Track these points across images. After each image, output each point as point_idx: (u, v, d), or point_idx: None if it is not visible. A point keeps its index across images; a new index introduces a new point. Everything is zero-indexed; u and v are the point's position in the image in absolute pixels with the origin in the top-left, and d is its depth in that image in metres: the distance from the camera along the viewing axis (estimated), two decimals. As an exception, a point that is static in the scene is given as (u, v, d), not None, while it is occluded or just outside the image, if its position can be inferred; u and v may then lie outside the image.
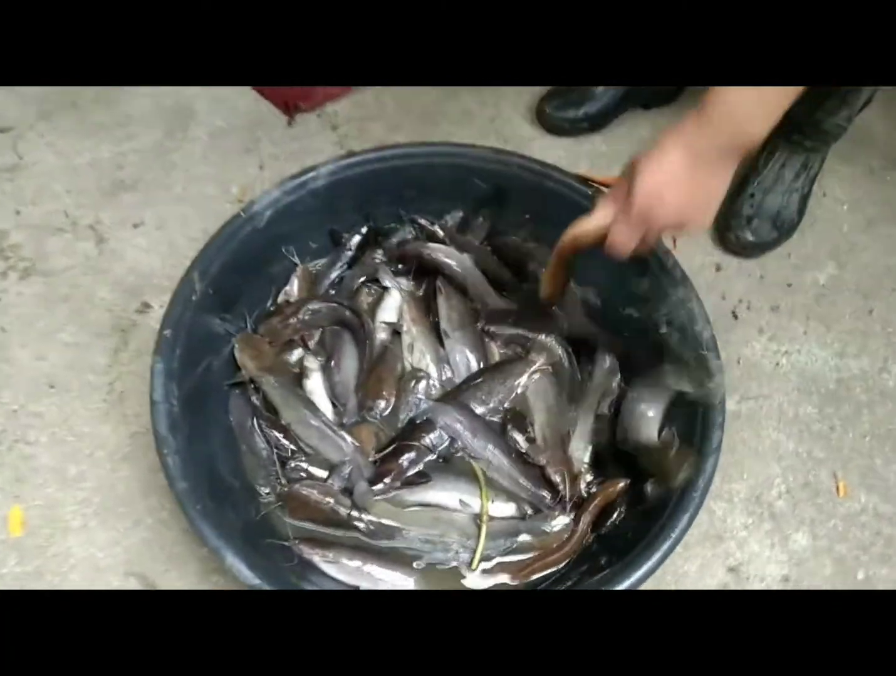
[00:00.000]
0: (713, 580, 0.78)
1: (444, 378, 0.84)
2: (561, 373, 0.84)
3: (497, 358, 0.86)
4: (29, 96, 1.10)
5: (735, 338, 0.94)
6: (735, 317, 0.95)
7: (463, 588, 0.71)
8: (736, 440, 0.87)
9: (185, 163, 1.05)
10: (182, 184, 1.03)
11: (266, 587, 0.60)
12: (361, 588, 0.70)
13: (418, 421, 0.79)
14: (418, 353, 0.85)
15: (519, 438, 0.79)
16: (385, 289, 0.88)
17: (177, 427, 0.67)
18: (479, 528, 0.74)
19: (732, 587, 0.78)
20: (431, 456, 0.78)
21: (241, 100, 1.12)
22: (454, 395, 0.82)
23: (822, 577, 0.79)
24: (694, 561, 0.79)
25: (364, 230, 0.90)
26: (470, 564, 0.72)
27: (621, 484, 0.75)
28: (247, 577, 0.60)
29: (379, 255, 0.90)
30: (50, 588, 0.74)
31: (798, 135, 0.96)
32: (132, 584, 0.75)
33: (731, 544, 0.81)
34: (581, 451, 0.80)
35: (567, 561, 0.73)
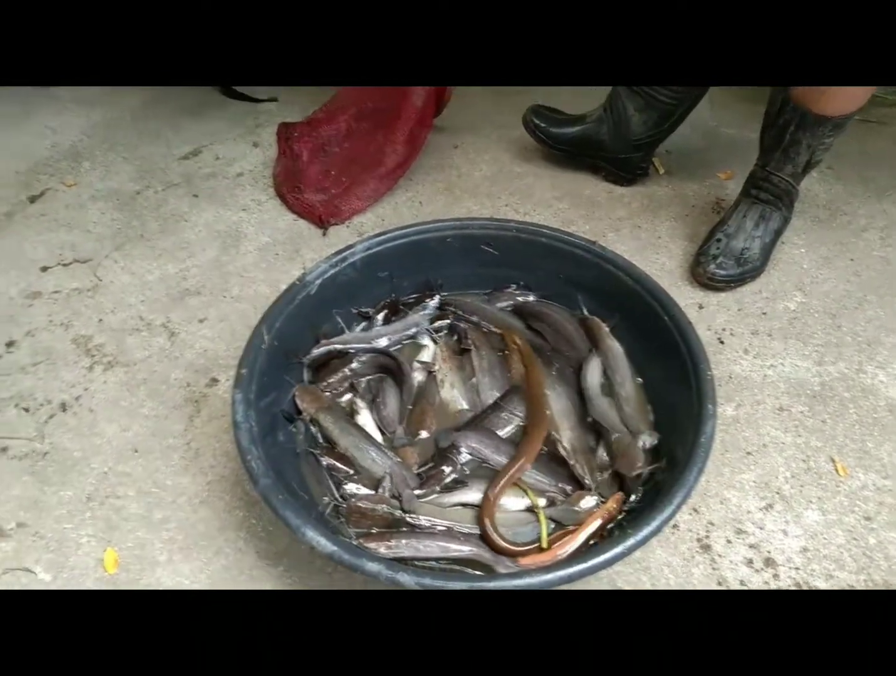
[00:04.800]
0: (738, 556, 0.86)
1: (475, 407, 0.97)
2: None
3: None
4: (104, 234, 1.32)
5: (724, 358, 1.07)
6: (721, 342, 1.09)
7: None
8: (739, 439, 0.97)
9: (239, 271, 1.24)
10: (239, 287, 1.22)
11: (342, 553, 0.70)
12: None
13: (448, 448, 0.91)
14: (448, 386, 0.99)
15: (546, 446, 0.91)
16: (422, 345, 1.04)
17: (255, 441, 0.80)
18: (538, 516, 0.85)
19: (756, 561, 0.86)
20: (465, 471, 0.90)
21: (282, 221, 1.34)
22: (479, 423, 0.94)
23: (836, 545, 0.87)
24: (718, 541, 0.88)
25: (386, 302, 1.08)
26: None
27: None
28: (325, 546, 0.70)
29: (417, 317, 1.06)
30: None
31: (755, 189, 1.17)
32: (216, 602, 0.84)
33: (749, 524, 0.89)
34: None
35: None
